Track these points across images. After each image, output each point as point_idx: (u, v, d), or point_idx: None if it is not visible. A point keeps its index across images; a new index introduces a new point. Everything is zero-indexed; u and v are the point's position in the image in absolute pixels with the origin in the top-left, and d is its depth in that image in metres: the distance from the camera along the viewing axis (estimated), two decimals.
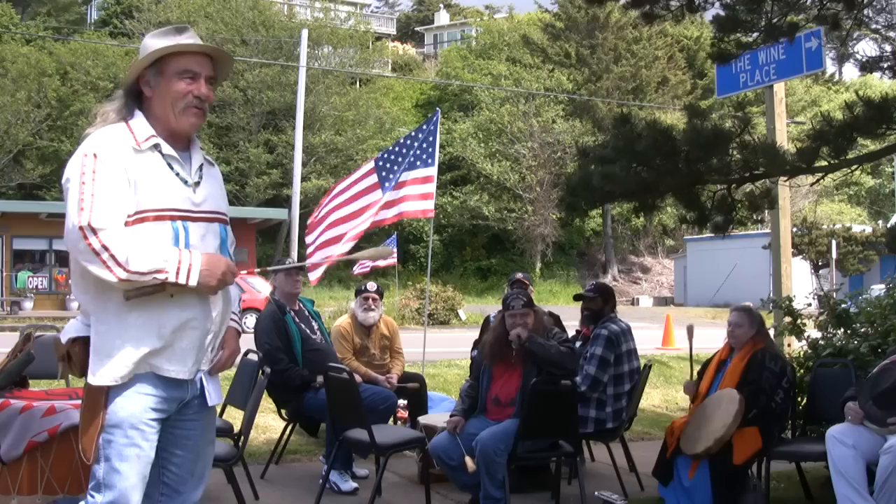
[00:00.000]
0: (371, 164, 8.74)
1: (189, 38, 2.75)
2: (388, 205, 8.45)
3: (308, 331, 6.20)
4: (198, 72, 2.73)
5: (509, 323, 5.15)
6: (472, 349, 7.42)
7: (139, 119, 2.69)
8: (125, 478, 2.59)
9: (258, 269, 3.46)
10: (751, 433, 4.88)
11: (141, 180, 2.60)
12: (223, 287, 2.68)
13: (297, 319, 6.17)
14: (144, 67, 2.70)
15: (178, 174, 2.71)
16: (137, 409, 2.60)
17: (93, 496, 2.62)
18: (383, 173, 8.53)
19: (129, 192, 2.58)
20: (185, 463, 2.78)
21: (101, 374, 2.58)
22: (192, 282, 2.56)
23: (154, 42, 2.72)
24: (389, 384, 6.54)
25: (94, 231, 2.47)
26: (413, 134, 8.81)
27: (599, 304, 6.12)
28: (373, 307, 6.77)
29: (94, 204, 2.50)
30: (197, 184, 2.76)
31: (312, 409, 5.96)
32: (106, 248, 2.47)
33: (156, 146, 2.67)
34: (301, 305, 6.33)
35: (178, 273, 2.54)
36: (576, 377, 5.60)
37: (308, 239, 8.84)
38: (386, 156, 8.69)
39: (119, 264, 2.47)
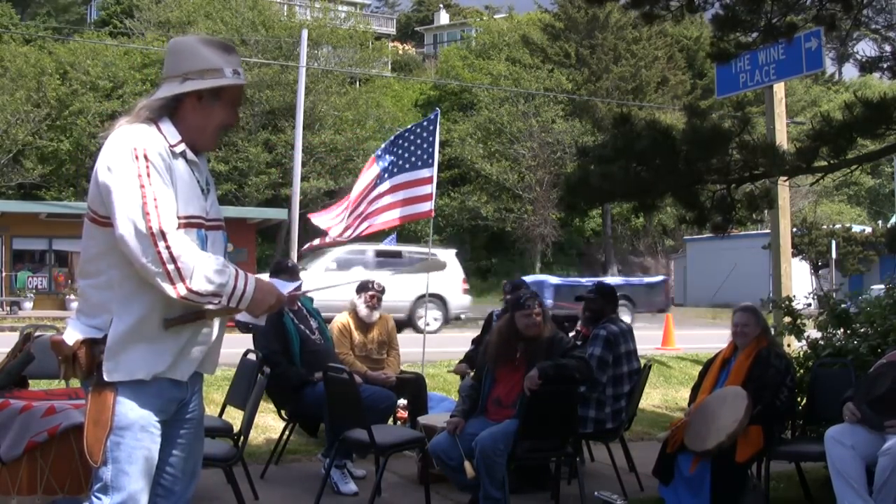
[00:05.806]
0: (375, 167, 9.00)
1: (240, 65, 2.72)
2: (390, 207, 8.50)
3: (307, 331, 6.19)
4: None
5: (522, 323, 5.15)
6: (472, 345, 7.43)
7: (167, 124, 2.64)
8: (134, 480, 2.58)
9: (307, 290, 3.41)
10: (754, 431, 4.88)
11: (177, 185, 2.58)
12: (268, 313, 2.65)
13: (295, 320, 6.16)
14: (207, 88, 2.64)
15: (198, 181, 2.69)
16: (147, 411, 2.59)
17: (99, 498, 2.59)
18: (382, 164, 8.80)
19: (174, 195, 2.56)
20: (180, 462, 2.78)
21: (117, 371, 2.54)
22: (243, 306, 2.56)
23: (216, 59, 2.64)
24: (388, 381, 6.52)
25: (164, 236, 2.44)
26: (411, 128, 8.86)
27: (598, 305, 6.12)
28: (377, 305, 6.77)
29: (158, 207, 2.46)
30: (208, 191, 2.75)
31: (311, 403, 5.94)
32: (174, 259, 2.44)
33: (182, 152, 2.64)
34: (300, 304, 6.32)
35: (230, 297, 2.53)
36: (601, 378, 5.64)
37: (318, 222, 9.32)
38: (383, 152, 8.92)
39: (182, 279, 2.45)
